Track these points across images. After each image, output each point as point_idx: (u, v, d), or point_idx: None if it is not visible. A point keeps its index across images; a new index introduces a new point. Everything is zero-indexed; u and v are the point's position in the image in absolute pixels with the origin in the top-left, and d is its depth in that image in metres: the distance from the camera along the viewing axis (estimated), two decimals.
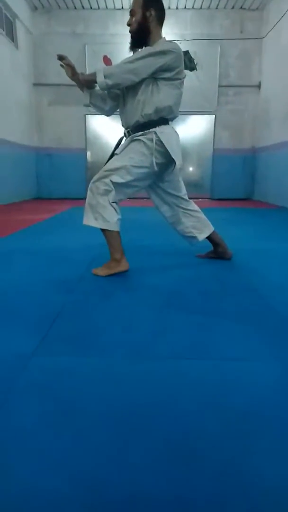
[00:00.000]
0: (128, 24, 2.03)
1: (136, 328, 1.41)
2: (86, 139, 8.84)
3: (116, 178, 1.98)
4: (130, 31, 2.04)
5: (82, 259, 2.47)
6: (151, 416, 0.90)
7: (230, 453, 0.78)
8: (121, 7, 8.03)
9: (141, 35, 2.01)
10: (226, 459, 0.77)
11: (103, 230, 2.05)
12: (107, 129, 8.71)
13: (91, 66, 8.08)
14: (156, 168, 2.02)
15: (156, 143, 1.99)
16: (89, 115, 8.65)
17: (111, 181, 1.97)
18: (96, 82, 1.94)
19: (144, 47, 1.99)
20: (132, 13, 2.01)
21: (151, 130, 2.00)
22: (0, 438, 0.82)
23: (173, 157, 2.00)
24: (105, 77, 1.90)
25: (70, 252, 2.71)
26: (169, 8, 8.04)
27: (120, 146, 2.13)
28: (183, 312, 1.57)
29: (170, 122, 2.09)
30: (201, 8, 8.14)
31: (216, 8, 8.13)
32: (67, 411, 0.92)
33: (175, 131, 2.12)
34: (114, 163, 2.01)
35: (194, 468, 0.74)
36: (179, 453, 0.78)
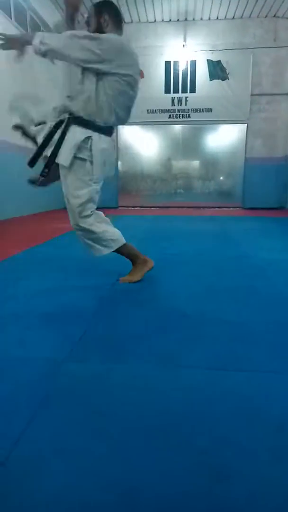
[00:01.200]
0: None
1: (168, 336, 1.40)
2: (118, 150, 8.99)
3: (92, 206, 1.96)
4: None
5: (113, 267, 2.49)
6: (184, 425, 0.89)
7: (265, 467, 0.76)
8: (153, 20, 8.14)
9: None
10: (261, 472, 0.74)
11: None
12: (138, 139, 8.81)
13: None
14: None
15: (89, 148, 1.88)
16: (120, 126, 8.80)
17: (90, 211, 1.96)
18: (30, 44, 1.78)
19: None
20: (87, 24, 1.95)
21: (89, 131, 1.87)
22: (35, 443, 0.83)
23: (94, 172, 1.91)
24: (40, 42, 1.75)
25: (101, 260, 2.74)
26: (201, 19, 8.10)
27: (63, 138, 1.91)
28: (216, 322, 1.55)
29: (112, 133, 1.98)
30: (233, 18, 8.14)
31: (249, 17, 8.11)
32: (98, 418, 0.92)
33: (111, 145, 2.03)
34: (80, 194, 1.91)
35: (228, 480, 0.72)
36: (213, 465, 0.76)
